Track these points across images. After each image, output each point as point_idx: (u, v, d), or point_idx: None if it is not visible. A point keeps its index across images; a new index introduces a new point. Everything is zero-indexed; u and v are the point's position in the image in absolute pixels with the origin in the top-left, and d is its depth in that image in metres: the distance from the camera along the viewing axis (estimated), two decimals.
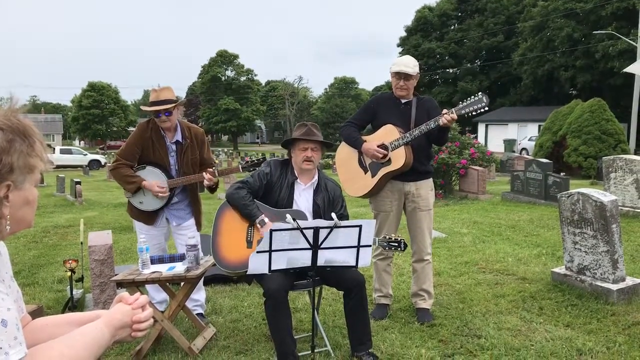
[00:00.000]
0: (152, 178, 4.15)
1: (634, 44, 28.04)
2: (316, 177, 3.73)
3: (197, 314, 4.28)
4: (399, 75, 4.10)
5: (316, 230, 2.89)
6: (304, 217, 3.50)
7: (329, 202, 3.70)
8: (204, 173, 4.16)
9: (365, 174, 4.22)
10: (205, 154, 4.39)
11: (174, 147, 4.23)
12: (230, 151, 57.35)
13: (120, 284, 3.55)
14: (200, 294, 4.42)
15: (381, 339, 3.78)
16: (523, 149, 34.42)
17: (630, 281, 4.48)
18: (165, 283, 3.79)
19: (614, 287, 4.36)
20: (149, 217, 4.28)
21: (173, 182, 4.19)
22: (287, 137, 3.86)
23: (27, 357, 1.19)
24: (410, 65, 4.09)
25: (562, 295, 4.58)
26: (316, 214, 3.62)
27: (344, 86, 74.09)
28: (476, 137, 29.11)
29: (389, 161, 4.08)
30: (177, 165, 4.25)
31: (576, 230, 4.73)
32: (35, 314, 3.85)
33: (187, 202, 4.38)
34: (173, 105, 4.07)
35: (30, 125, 1.30)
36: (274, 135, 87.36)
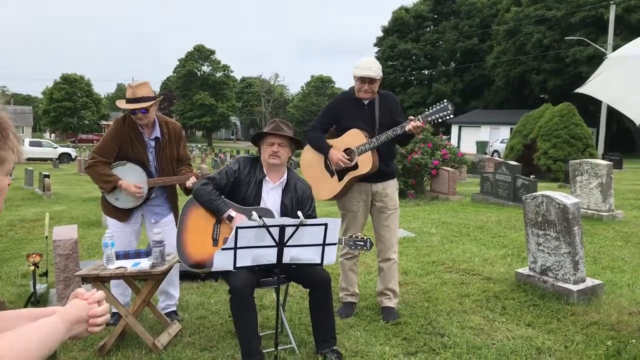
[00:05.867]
0: (132, 176, 4.02)
1: (602, 49, 28.75)
2: (285, 176, 3.71)
3: (171, 312, 4.25)
4: (364, 80, 4.07)
5: (282, 228, 2.90)
6: (271, 215, 3.50)
7: (297, 203, 3.68)
8: (189, 174, 4.09)
9: (332, 177, 4.23)
10: (182, 150, 4.31)
11: (152, 143, 4.11)
12: (205, 147, 56.95)
13: (85, 279, 3.51)
14: (176, 291, 4.37)
15: (346, 337, 3.82)
16: (495, 151, 34.98)
17: (590, 282, 4.61)
18: (130, 279, 3.76)
19: (575, 287, 4.48)
20: (123, 214, 4.15)
21: (153, 182, 4.07)
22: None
23: None
24: (374, 68, 4.06)
25: (525, 295, 4.68)
26: (283, 214, 3.60)
27: (320, 85, 74.12)
28: (449, 139, 29.47)
29: (356, 166, 4.10)
30: (155, 161, 4.14)
31: (540, 232, 4.84)
32: None
33: (165, 197, 4.28)
34: (150, 103, 3.93)
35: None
36: (249, 132, 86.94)
